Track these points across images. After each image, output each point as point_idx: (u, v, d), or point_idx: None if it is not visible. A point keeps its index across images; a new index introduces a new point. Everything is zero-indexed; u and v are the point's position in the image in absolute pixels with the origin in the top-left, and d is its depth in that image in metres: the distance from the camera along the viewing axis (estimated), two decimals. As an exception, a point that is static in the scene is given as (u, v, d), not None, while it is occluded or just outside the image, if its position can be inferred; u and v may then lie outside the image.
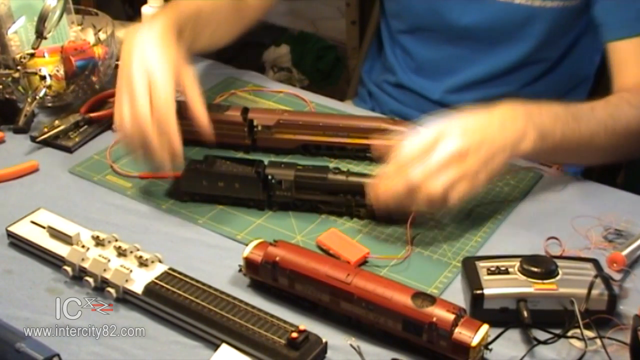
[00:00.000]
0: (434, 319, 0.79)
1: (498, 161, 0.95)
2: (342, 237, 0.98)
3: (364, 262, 0.95)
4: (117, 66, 1.37)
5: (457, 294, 0.90)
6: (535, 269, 0.86)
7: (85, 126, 1.21)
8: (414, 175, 0.91)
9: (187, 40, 1.09)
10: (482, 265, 0.88)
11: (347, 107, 1.33)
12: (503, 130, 0.96)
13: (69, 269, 0.91)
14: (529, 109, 1.00)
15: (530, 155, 1.02)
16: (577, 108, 1.06)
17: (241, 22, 1.31)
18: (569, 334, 0.83)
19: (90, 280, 0.89)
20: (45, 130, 1.18)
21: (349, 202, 1.02)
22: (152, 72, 0.97)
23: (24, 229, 0.97)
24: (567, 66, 1.32)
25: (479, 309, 0.85)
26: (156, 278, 0.88)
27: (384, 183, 0.94)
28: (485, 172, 0.94)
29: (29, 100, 1.21)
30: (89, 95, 1.28)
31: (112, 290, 0.88)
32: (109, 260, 0.89)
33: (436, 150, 0.92)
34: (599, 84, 1.39)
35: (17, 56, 1.22)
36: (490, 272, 0.87)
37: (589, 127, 1.05)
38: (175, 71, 0.99)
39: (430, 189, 0.91)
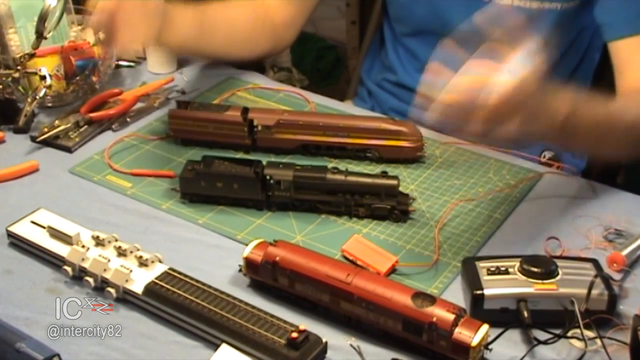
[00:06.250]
0: (434, 319, 0.79)
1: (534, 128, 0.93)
2: (367, 244, 0.96)
3: (393, 271, 0.94)
4: (117, 66, 1.38)
5: (457, 294, 0.90)
6: (535, 269, 0.86)
7: (85, 126, 1.21)
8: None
9: (185, 24, 1.19)
10: (482, 265, 0.88)
11: (347, 107, 1.33)
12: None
13: (69, 269, 0.91)
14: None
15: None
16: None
17: (271, 36, 1.36)
18: (569, 334, 0.83)
19: (90, 280, 0.89)
20: (45, 130, 1.18)
21: (348, 201, 1.02)
22: None
23: (24, 229, 0.97)
24: (566, 65, 1.32)
25: (479, 309, 0.85)
26: (156, 278, 0.88)
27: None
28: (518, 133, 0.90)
29: (29, 100, 1.21)
30: (89, 95, 1.28)
31: (112, 290, 0.88)
32: (109, 260, 0.89)
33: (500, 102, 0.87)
34: (598, 83, 1.39)
35: (17, 56, 1.22)
36: (490, 272, 0.87)
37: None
38: None
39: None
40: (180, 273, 0.89)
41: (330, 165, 1.05)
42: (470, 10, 1.25)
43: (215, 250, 0.98)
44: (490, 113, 0.87)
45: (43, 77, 1.22)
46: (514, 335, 0.85)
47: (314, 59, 2.98)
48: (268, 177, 1.02)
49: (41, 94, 1.21)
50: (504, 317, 0.84)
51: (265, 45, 1.37)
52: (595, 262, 0.89)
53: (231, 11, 1.31)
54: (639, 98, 1.11)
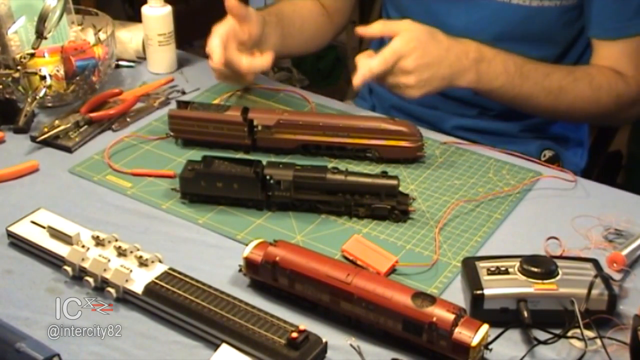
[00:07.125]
0: (434, 319, 0.79)
1: (435, 85, 1.14)
2: (367, 244, 0.96)
3: (393, 271, 0.94)
4: (117, 66, 1.38)
5: (457, 294, 0.90)
6: (535, 269, 0.86)
7: (85, 126, 1.21)
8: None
9: (273, 33, 1.25)
10: (482, 265, 0.88)
11: (347, 107, 1.33)
12: (449, 64, 1.13)
13: (69, 269, 0.91)
14: (483, 54, 1.16)
15: (464, 88, 1.18)
16: (532, 68, 1.18)
17: (331, 24, 1.45)
18: (569, 334, 0.83)
19: (90, 280, 0.90)
20: (45, 130, 1.18)
21: (348, 201, 1.02)
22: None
23: (24, 229, 0.97)
24: (565, 64, 1.33)
25: (479, 309, 0.85)
26: (156, 278, 0.88)
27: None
28: (419, 90, 1.13)
29: (29, 100, 1.21)
30: (89, 95, 1.28)
31: (112, 290, 0.88)
32: (109, 260, 0.89)
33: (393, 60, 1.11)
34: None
35: (17, 56, 1.22)
36: (490, 272, 0.87)
37: (532, 90, 1.18)
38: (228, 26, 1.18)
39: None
40: (180, 273, 0.89)
41: (330, 165, 1.05)
42: (469, 10, 1.26)
43: (215, 250, 0.98)
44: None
45: (43, 77, 1.22)
46: (514, 335, 0.85)
47: (314, 59, 2.98)
48: (268, 177, 1.02)
49: (41, 94, 1.21)
50: (504, 317, 0.84)
51: (328, 34, 1.46)
52: (595, 262, 0.89)
53: (298, 8, 1.38)
54: (582, 75, 1.21)
